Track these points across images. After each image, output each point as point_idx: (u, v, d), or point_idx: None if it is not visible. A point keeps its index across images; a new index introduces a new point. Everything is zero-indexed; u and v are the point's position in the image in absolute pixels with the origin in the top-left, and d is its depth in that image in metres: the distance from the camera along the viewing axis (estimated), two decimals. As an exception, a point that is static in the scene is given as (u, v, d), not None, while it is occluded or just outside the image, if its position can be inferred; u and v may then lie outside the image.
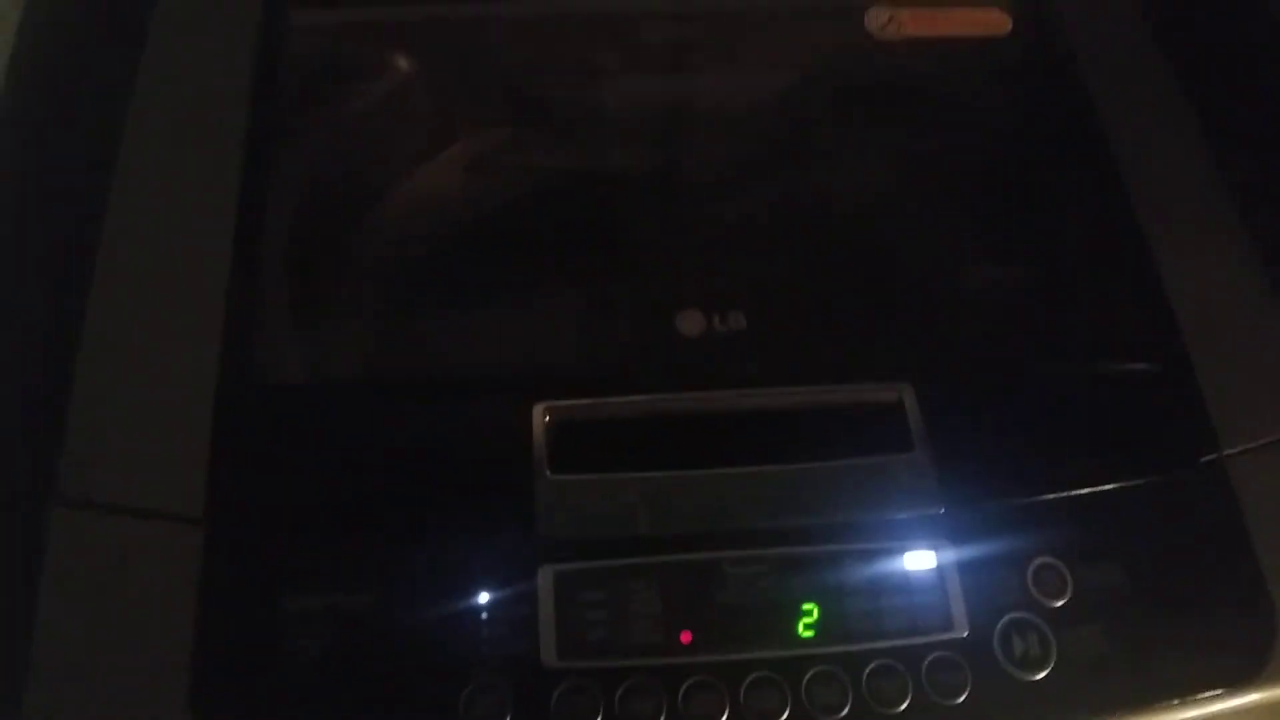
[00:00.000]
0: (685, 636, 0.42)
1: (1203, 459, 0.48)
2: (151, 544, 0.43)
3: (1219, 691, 0.44)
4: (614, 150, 0.60)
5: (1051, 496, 0.47)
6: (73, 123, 0.54)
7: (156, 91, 0.55)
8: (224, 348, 0.47)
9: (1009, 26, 0.62)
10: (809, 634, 0.43)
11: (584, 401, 0.47)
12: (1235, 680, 0.44)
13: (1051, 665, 0.43)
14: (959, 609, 0.43)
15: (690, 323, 0.51)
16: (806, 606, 0.43)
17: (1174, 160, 0.58)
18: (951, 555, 0.44)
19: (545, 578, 0.43)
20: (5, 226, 0.51)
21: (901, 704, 0.42)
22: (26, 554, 0.43)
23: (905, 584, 0.44)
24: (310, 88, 0.58)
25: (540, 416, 0.46)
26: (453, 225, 0.56)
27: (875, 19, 0.61)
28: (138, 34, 0.56)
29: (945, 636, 0.43)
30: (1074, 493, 0.47)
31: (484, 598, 0.43)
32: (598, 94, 0.62)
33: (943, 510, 0.45)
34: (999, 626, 0.43)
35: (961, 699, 0.42)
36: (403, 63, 0.61)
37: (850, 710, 0.42)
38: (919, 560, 0.44)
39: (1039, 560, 0.45)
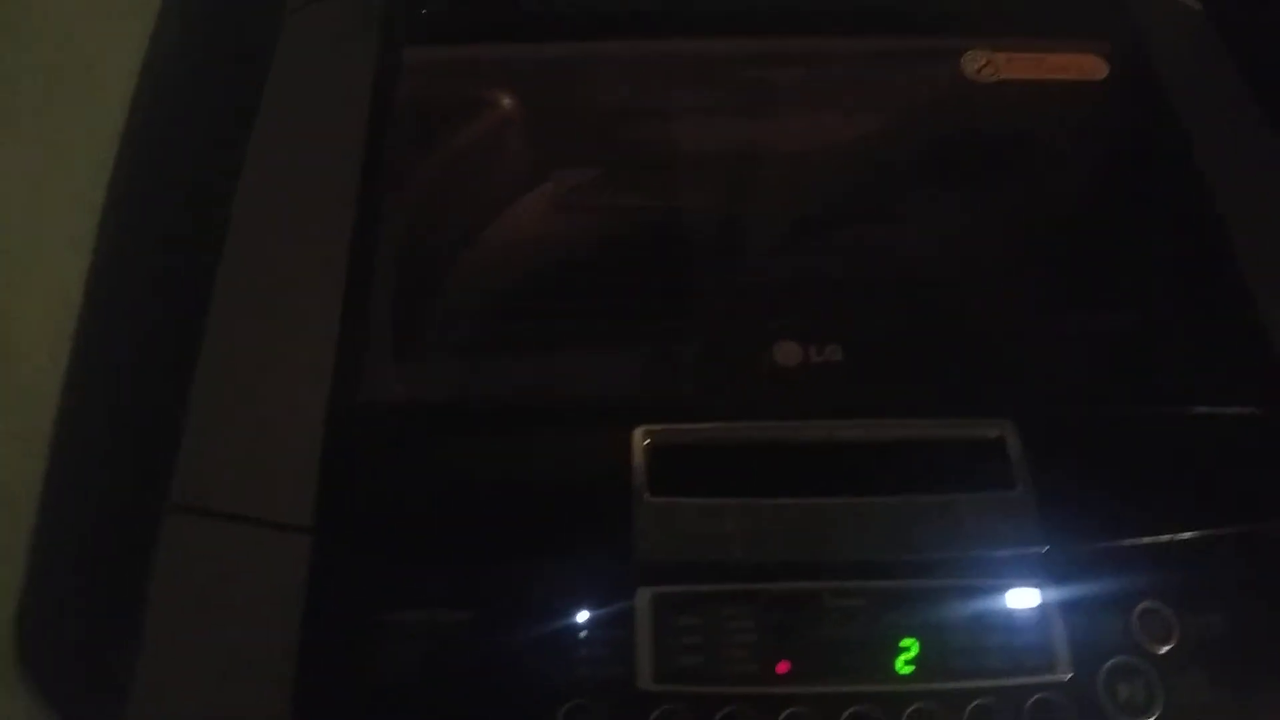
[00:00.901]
0: (783, 666, 0.42)
1: (1311, 507, 0.47)
2: (261, 551, 0.44)
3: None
4: (705, 190, 0.61)
5: (1155, 539, 0.46)
6: (196, 153, 0.57)
7: (276, 124, 0.57)
8: (336, 367, 0.48)
9: (1105, 71, 0.62)
10: (908, 670, 0.42)
11: (683, 426, 0.47)
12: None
13: (1157, 711, 0.42)
14: (1062, 650, 0.42)
15: (787, 354, 0.51)
16: (906, 642, 0.43)
17: (1273, 202, 0.57)
18: (1054, 595, 0.44)
19: (643, 600, 0.43)
20: (133, 244, 0.53)
21: (1004, 745, 0.41)
22: (141, 558, 0.44)
23: (1007, 622, 0.43)
24: (422, 122, 0.60)
25: (640, 440, 0.47)
26: (552, 260, 0.58)
27: (972, 62, 0.62)
28: (261, 65, 0.59)
29: (1048, 678, 0.42)
30: (1177, 536, 0.46)
31: (582, 618, 0.43)
32: (688, 135, 0.63)
33: (1045, 549, 0.45)
34: (1103, 670, 0.42)
35: (1065, 743, 0.41)
36: (506, 100, 0.63)
37: (951, 749, 0.41)
38: (1021, 599, 0.44)
39: (1144, 604, 0.44)
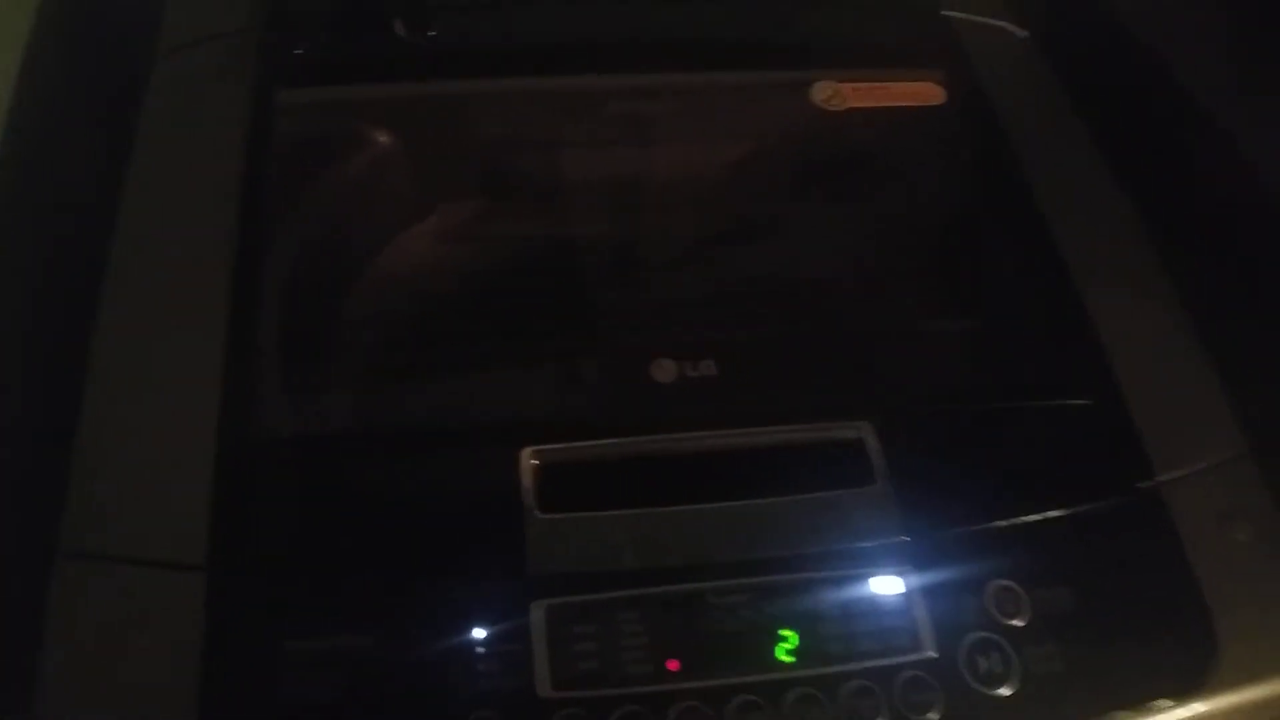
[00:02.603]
0: (673, 664, 0.45)
1: (1140, 486, 0.52)
2: (155, 592, 0.44)
3: (1168, 702, 0.47)
4: (581, 217, 0.64)
5: (1004, 523, 0.50)
6: (71, 191, 0.57)
7: (152, 163, 0.58)
8: (222, 403, 0.49)
9: (942, 97, 0.68)
10: (789, 658, 0.45)
11: (569, 445, 0.49)
12: (1182, 691, 0.47)
13: (1015, 682, 0.46)
14: (926, 630, 0.46)
15: (664, 371, 0.54)
16: (785, 632, 0.46)
17: (1097, 212, 0.63)
18: (916, 580, 0.48)
19: (537, 612, 0.45)
20: (6, 286, 0.53)
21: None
22: (31, 607, 0.44)
23: (875, 608, 0.47)
24: (298, 161, 0.61)
25: (528, 460, 0.49)
26: (436, 289, 0.59)
27: (821, 92, 0.66)
28: (134, 109, 0.59)
29: (915, 657, 0.46)
30: (1024, 519, 0.50)
31: (480, 634, 0.44)
32: (563, 165, 0.66)
33: (905, 538, 0.49)
34: (964, 646, 0.46)
35: (934, 715, 0.45)
36: (383, 137, 0.64)
37: (830, 728, 0.44)
38: (887, 585, 0.47)
39: (996, 583, 0.48)
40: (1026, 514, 0.51)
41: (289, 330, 0.54)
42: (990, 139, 0.65)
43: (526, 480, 0.48)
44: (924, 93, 0.68)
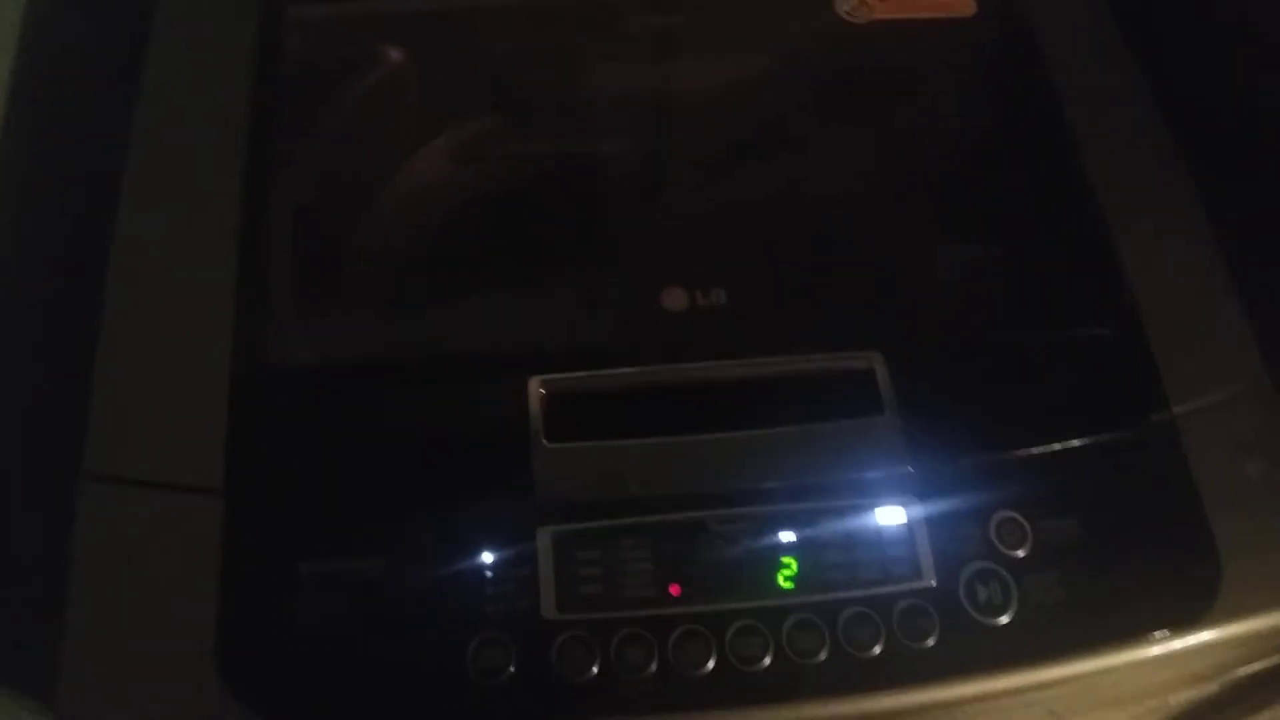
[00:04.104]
0: (674, 589, 0.46)
1: (1154, 417, 0.52)
2: (174, 516, 0.46)
3: (1168, 632, 0.47)
4: (595, 137, 0.63)
5: (1012, 455, 0.50)
6: (82, 121, 0.57)
7: (161, 88, 0.57)
8: (236, 331, 0.50)
9: (973, 9, 0.65)
10: (789, 585, 0.46)
11: (576, 375, 0.50)
12: (1183, 622, 0.48)
13: (1013, 611, 0.47)
14: (926, 559, 0.47)
15: (675, 299, 0.54)
16: (786, 560, 0.47)
17: (1131, 136, 0.61)
18: (919, 510, 0.48)
19: (544, 539, 0.46)
20: (24, 220, 0.53)
21: (874, 648, 0.45)
22: (56, 528, 0.45)
23: (877, 537, 0.47)
24: (308, 81, 0.60)
25: (535, 389, 0.49)
26: (446, 213, 0.59)
27: (844, 3, 0.64)
28: (140, 33, 0.58)
29: (914, 585, 0.46)
30: (1033, 451, 0.50)
31: (488, 559, 0.46)
32: (577, 82, 0.64)
33: (911, 469, 0.49)
34: (964, 575, 0.47)
35: (930, 643, 0.46)
36: (395, 54, 0.63)
37: (828, 655, 0.45)
38: (889, 515, 0.48)
39: (1001, 514, 0.48)
40: (1035, 446, 0.50)
41: (299, 256, 0.54)
42: (1021, 55, 0.63)
43: (534, 409, 0.49)
44: (954, 3, 0.65)
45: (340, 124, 0.61)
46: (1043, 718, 0.54)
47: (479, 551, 0.46)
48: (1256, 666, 0.55)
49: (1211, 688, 0.58)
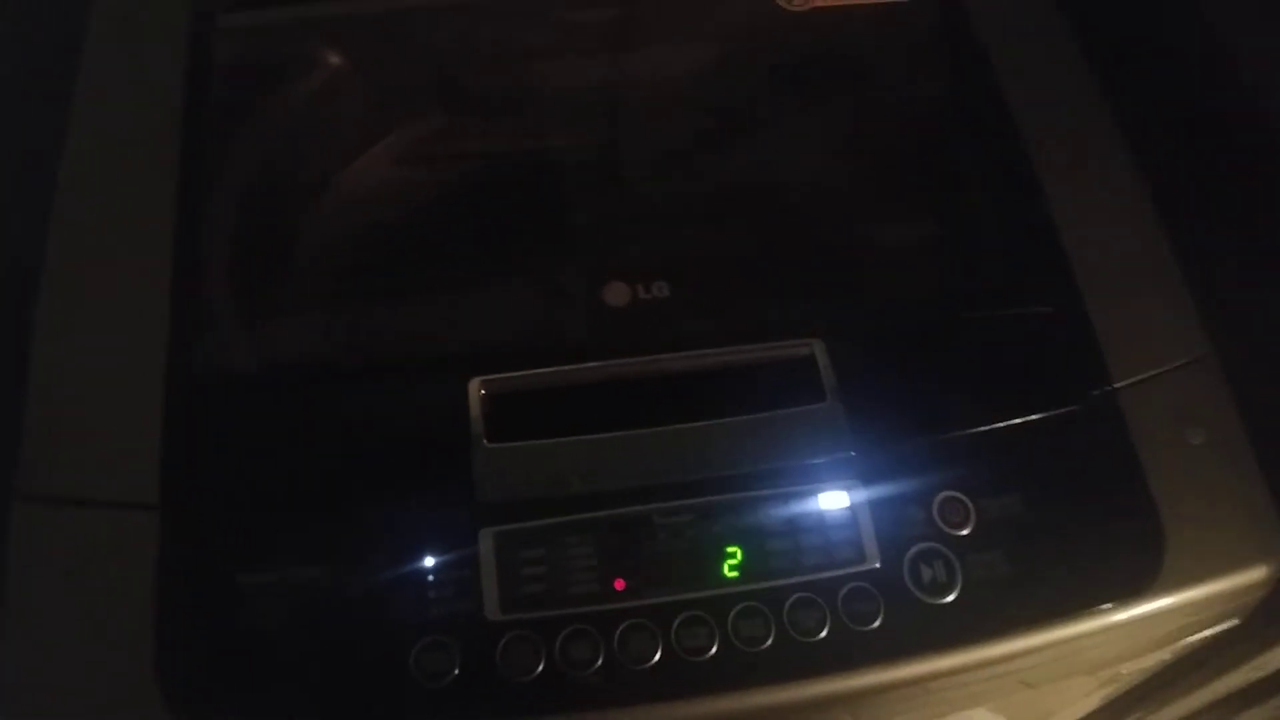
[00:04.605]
0: (619, 584, 0.46)
1: (1095, 392, 0.52)
2: (110, 533, 0.45)
3: (1112, 605, 0.48)
4: (534, 134, 0.63)
5: (954, 435, 0.50)
6: (14, 129, 0.56)
7: (93, 100, 0.57)
8: (170, 341, 0.49)
9: (910, -8, 0.65)
10: (734, 574, 0.46)
11: (516, 374, 0.50)
12: (1127, 594, 0.48)
13: (957, 589, 0.47)
14: (870, 543, 0.47)
15: (616, 294, 0.54)
16: (730, 549, 0.47)
17: (1069, 114, 0.61)
18: (862, 494, 0.48)
19: (486, 540, 0.46)
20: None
21: (820, 633, 0.45)
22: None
23: (821, 523, 0.47)
24: (242, 87, 0.60)
25: (476, 390, 0.49)
26: (383, 215, 0.59)
27: (783, -8, 0.64)
28: (75, 39, 0.58)
29: (859, 569, 0.47)
30: (975, 430, 0.50)
31: (429, 562, 0.46)
32: (514, 81, 0.64)
33: (853, 454, 0.49)
34: (908, 556, 0.47)
35: (876, 625, 0.46)
36: (332, 58, 0.63)
37: (774, 641, 0.45)
38: (832, 500, 0.48)
39: (944, 494, 0.48)
40: (976, 425, 0.51)
41: (236, 263, 0.54)
42: (959, 37, 0.63)
43: (475, 410, 0.49)
44: (891, -12, 0.65)
45: (277, 130, 0.60)
46: (1015, 688, 0.55)
47: (421, 555, 0.46)
48: (1208, 633, 0.55)
49: (1164, 656, 0.58)
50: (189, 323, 0.51)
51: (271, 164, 0.60)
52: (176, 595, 0.44)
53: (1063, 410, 0.52)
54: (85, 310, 0.51)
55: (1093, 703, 0.74)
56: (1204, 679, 0.71)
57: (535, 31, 0.65)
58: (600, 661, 0.44)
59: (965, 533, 0.48)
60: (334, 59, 0.63)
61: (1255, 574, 0.50)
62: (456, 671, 0.44)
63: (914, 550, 0.47)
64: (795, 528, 0.47)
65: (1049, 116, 0.60)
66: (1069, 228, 0.57)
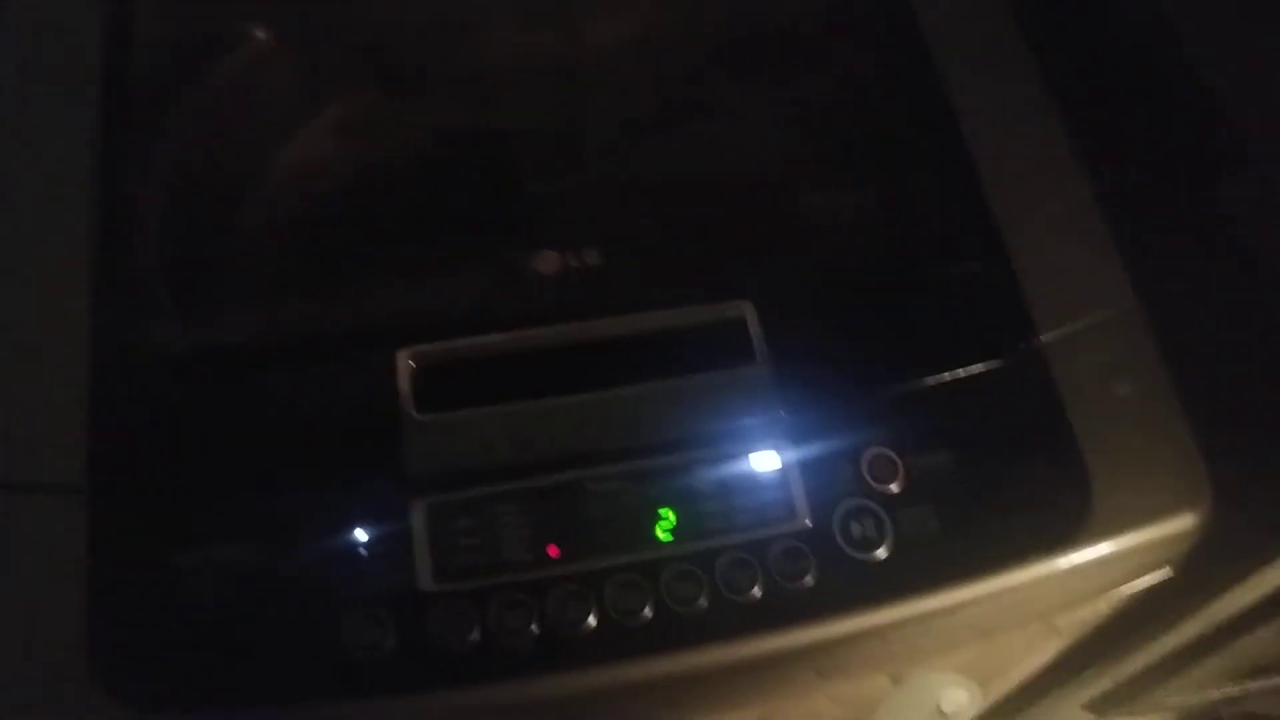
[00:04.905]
0: (553, 551, 0.46)
1: (1021, 347, 0.53)
2: (37, 516, 0.45)
3: (1041, 556, 0.49)
4: (463, 105, 0.62)
5: (883, 392, 0.51)
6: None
7: (10, 70, 0.56)
8: (94, 320, 0.49)
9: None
10: (667, 537, 0.47)
11: (443, 345, 0.50)
12: (1055, 545, 0.49)
13: (888, 545, 0.47)
14: (801, 501, 0.48)
15: (546, 262, 0.54)
16: (664, 512, 0.47)
17: (994, 70, 0.61)
18: (793, 454, 0.48)
19: (418, 511, 0.46)
20: None
21: (753, 591, 0.46)
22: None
23: (751, 483, 0.48)
24: (168, 61, 0.59)
25: (404, 361, 0.49)
26: (311, 191, 0.58)
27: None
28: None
29: (790, 527, 0.47)
30: (903, 387, 0.51)
31: (362, 536, 0.46)
32: (441, 51, 0.64)
33: (783, 414, 0.49)
34: (838, 514, 0.48)
35: (808, 582, 0.46)
36: (259, 32, 0.62)
37: (707, 602, 0.46)
38: (763, 461, 0.48)
39: (873, 451, 0.49)
40: (905, 383, 0.51)
41: (160, 240, 0.53)
42: (893, 8, 0.63)
43: (403, 382, 0.49)
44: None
45: (205, 104, 0.59)
46: (969, 636, 0.55)
47: (352, 529, 0.46)
48: (1142, 583, 0.56)
49: (1101, 606, 0.59)
50: (113, 302, 0.50)
51: (198, 138, 0.59)
52: (107, 577, 0.44)
53: (990, 365, 0.52)
54: (5, 291, 0.50)
55: (1047, 654, 0.75)
56: (1154, 634, 0.72)
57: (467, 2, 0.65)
58: (535, 628, 0.45)
59: (895, 489, 0.48)
60: (261, 33, 0.62)
61: (1182, 522, 0.50)
62: (391, 643, 0.44)
63: (844, 508, 0.48)
64: (726, 489, 0.48)
65: (977, 78, 0.61)
66: (995, 186, 0.57)
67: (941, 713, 0.77)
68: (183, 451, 0.47)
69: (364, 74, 0.64)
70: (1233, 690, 0.89)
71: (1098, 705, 0.92)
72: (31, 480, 0.46)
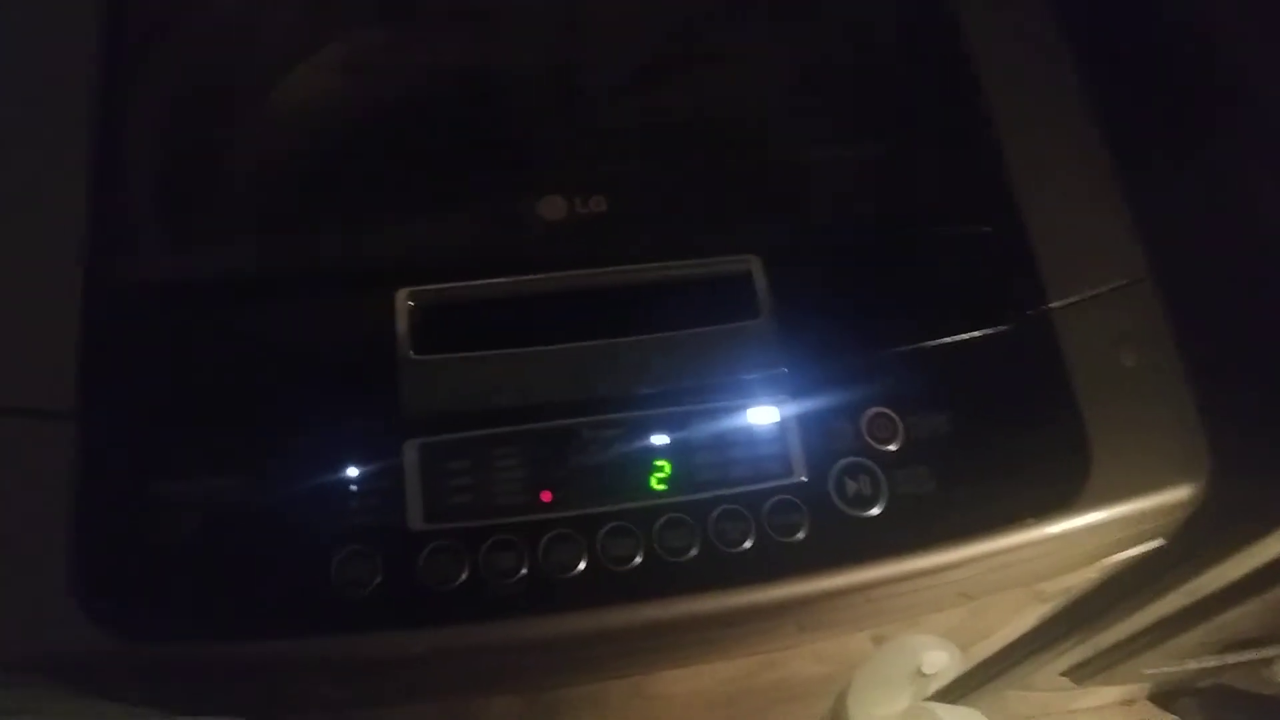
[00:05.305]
0: (546, 495, 0.46)
1: (1030, 312, 0.52)
2: (26, 441, 0.45)
3: (1035, 521, 0.48)
4: (473, 47, 0.61)
5: (886, 352, 0.50)
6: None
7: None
8: (89, 247, 0.48)
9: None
10: (661, 487, 0.46)
11: (444, 286, 0.49)
12: (1051, 509, 0.49)
13: (882, 503, 0.47)
14: (798, 457, 0.47)
15: (552, 208, 0.53)
16: (659, 462, 0.47)
17: (1015, 34, 0.60)
18: (792, 410, 0.48)
19: (410, 451, 0.45)
20: None
21: (744, 543, 0.46)
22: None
23: (749, 437, 0.48)
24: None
25: (403, 301, 0.48)
26: (314, 126, 0.57)
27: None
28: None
29: (785, 482, 0.47)
30: (907, 348, 0.50)
31: (353, 473, 0.45)
32: None
33: (785, 370, 0.49)
34: (834, 471, 0.47)
35: (800, 536, 0.46)
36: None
37: (698, 551, 0.45)
38: (762, 415, 0.48)
39: (872, 410, 0.49)
40: (909, 343, 0.51)
41: (159, 171, 0.52)
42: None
43: (401, 322, 0.48)
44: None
45: (206, 35, 0.58)
46: (954, 599, 0.56)
47: (345, 466, 0.45)
48: (1134, 552, 0.56)
49: (1091, 574, 0.59)
50: (109, 229, 0.49)
51: (197, 73, 0.57)
52: (94, 505, 0.44)
53: (997, 329, 0.52)
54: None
55: (1029, 620, 0.76)
56: (1140, 604, 0.73)
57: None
58: (524, 571, 0.44)
59: (893, 448, 0.48)
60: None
61: (1178, 494, 0.50)
62: (379, 580, 0.44)
63: (840, 464, 0.47)
64: (724, 442, 0.47)
65: (999, 41, 0.59)
66: (1012, 149, 0.56)
67: (922, 674, 0.77)
68: (175, 382, 0.47)
69: (370, 9, 0.62)
70: (1211, 662, 0.90)
71: (1076, 673, 0.93)
72: (21, 405, 0.45)
